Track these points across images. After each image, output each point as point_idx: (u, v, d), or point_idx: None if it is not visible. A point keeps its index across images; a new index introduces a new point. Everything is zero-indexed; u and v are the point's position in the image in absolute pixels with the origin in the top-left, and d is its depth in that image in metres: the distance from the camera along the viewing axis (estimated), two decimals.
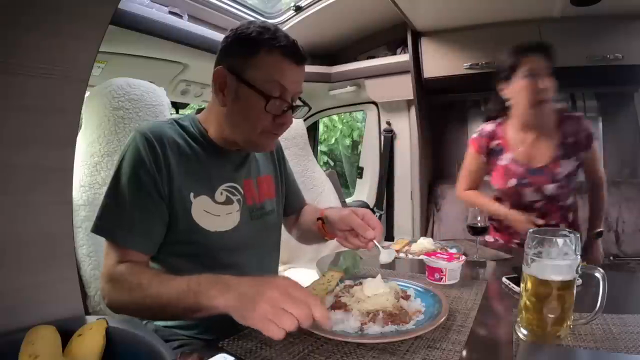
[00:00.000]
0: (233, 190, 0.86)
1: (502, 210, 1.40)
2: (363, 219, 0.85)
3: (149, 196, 0.75)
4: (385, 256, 0.86)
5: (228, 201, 0.85)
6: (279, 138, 0.89)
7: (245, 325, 0.59)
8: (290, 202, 1.07)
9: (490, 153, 1.47)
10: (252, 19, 2.13)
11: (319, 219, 0.96)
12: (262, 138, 0.82)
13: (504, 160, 1.43)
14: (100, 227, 0.76)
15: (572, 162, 1.36)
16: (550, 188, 1.36)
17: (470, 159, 1.53)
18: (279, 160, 1.04)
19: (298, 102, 0.85)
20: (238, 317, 0.59)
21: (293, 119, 0.84)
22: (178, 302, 0.64)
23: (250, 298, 0.58)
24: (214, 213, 0.82)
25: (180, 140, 0.82)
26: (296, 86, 0.81)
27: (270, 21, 2.23)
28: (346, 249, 0.92)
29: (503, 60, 1.38)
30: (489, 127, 1.48)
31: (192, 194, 0.79)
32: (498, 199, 1.48)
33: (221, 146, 0.85)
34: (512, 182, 1.39)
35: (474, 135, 1.51)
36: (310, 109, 0.88)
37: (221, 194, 0.84)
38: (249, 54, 0.77)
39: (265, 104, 0.77)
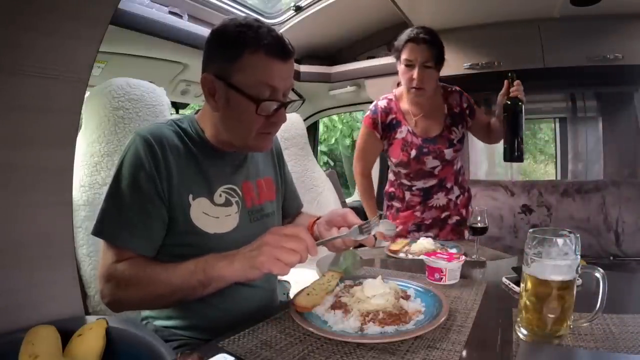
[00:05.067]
0: (232, 192, 0.86)
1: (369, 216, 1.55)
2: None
3: (148, 199, 0.75)
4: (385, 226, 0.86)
5: (227, 203, 0.84)
6: (279, 139, 0.88)
7: (258, 274, 0.66)
8: (287, 205, 1.07)
9: (386, 128, 1.49)
10: None
11: (315, 218, 0.96)
12: (258, 139, 0.81)
13: (401, 133, 1.48)
14: (100, 230, 0.76)
15: (461, 130, 1.50)
16: (449, 152, 1.46)
17: (365, 137, 1.55)
18: (279, 162, 1.03)
19: (291, 96, 0.83)
20: (249, 272, 0.66)
21: (294, 114, 0.84)
22: (188, 282, 0.69)
23: (254, 250, 0.66)
24: (213, 215, 0.82)
25: (179, 142, 0.82)
26: (285, 83, 0.79)
27: (270, 21, 2.24)
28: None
29: (397, 40, 1.43)
30: (382, 102, 1.51)
31: (190, 196, 0.79)
32: (397, 174, 1.55)
33: (218, 147, 0.85)
34: (413, 152, 1.46)
35: (367, 113, 1.52)
36: (304, 100, 0.88)
37: (220, 195, 0.84)
38: (232, 57, 0.75)
39: (256, 107, 0.75)
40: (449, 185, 1.53)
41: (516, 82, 1.26)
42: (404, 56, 1.38)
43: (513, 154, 1.27)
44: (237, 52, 0.74)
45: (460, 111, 1.50)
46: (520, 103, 1.25)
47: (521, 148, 1.26)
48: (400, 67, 1.41)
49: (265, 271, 0.65)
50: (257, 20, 0.78)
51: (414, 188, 1.52)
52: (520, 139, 1.26)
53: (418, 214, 1.53)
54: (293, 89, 0.84)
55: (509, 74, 1.27)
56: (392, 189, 1.60)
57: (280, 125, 0.83)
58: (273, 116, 0.79)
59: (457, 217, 1.55)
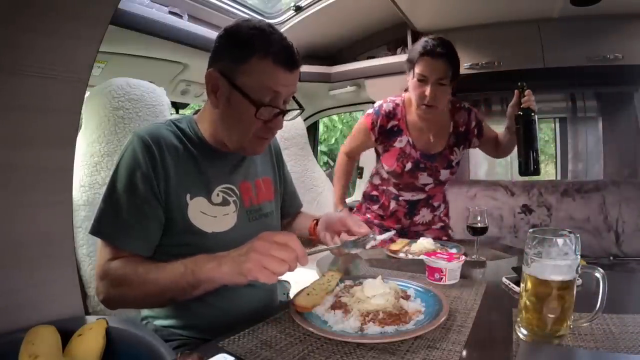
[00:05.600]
0: (229, 192, 0.86)
1: (337, 205, 1.56)
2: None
3: (145, 200, 0.76)
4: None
5: (224, 202, 0.85)
6: (279, 139, 0.88)
7: (245, 280, 0.64)
8: (287, 205, 1.07)
9: (385, 133, 1.43)
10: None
11: (315, 220, 0.97)
12: (253, 142, 0.82)
13: (400, 142, 1.42)
14: (98, 229, 0.77)
15: (462, 151, 1.46)
16: (444, 173, 1.43)
17: (359, 132, 1.50)
18: (278, 162, 1.03)
19: (291, 104, 0.84)
20: (236, 277, 0.65)
21: (291, 119, 0.84)
22: (178, 283, 0.69)
23: (242, 256, 0.65)
24: (211, 214, 0.82)
25: (177, 142, 0.82)
26: (288, 90, 0.80)
27: (270, 21, 2.24)
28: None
29: (410, 50, 1.37)
30: (387, 106, 1.43)
31: (188, 195, 0.80)
32: (385, 180, 1.51)
33: (216, 147, 0.85)
34: (409, 165, 1.42)
35: (370, 111, 1.46)
36: (303, 110, 0.88)
37: (218, 195, 0.84)
38: (241, 59, 0.75)
39: (256, 111, 0.76)
40: (436, 203, 1.51)
41: (527, 91, 1.19)
42: (417, 70, 1.29)
43: (529, 168, 1.16)
44: (246, 55, 0.75)
45: (466, 130, 1.43)
46: (533, 113, 1.17)
47: (537, 161, 1.16)
48: (412, 81, 1.32)
49: (251, 278, 0.64)
50: (270, 25, 0.79)
51: (400, 198, 1.49)
52: (536, 151, 1.16)
53: (404, 227, 1.53)
54: (294, 99, 0.84)
55: (519, 84, 1.20)
56: (375, 193, 1.56)
57: (276, 131, 0.84)
58: (271, 122, 0.80)
59: (441, 224, 1.57)
